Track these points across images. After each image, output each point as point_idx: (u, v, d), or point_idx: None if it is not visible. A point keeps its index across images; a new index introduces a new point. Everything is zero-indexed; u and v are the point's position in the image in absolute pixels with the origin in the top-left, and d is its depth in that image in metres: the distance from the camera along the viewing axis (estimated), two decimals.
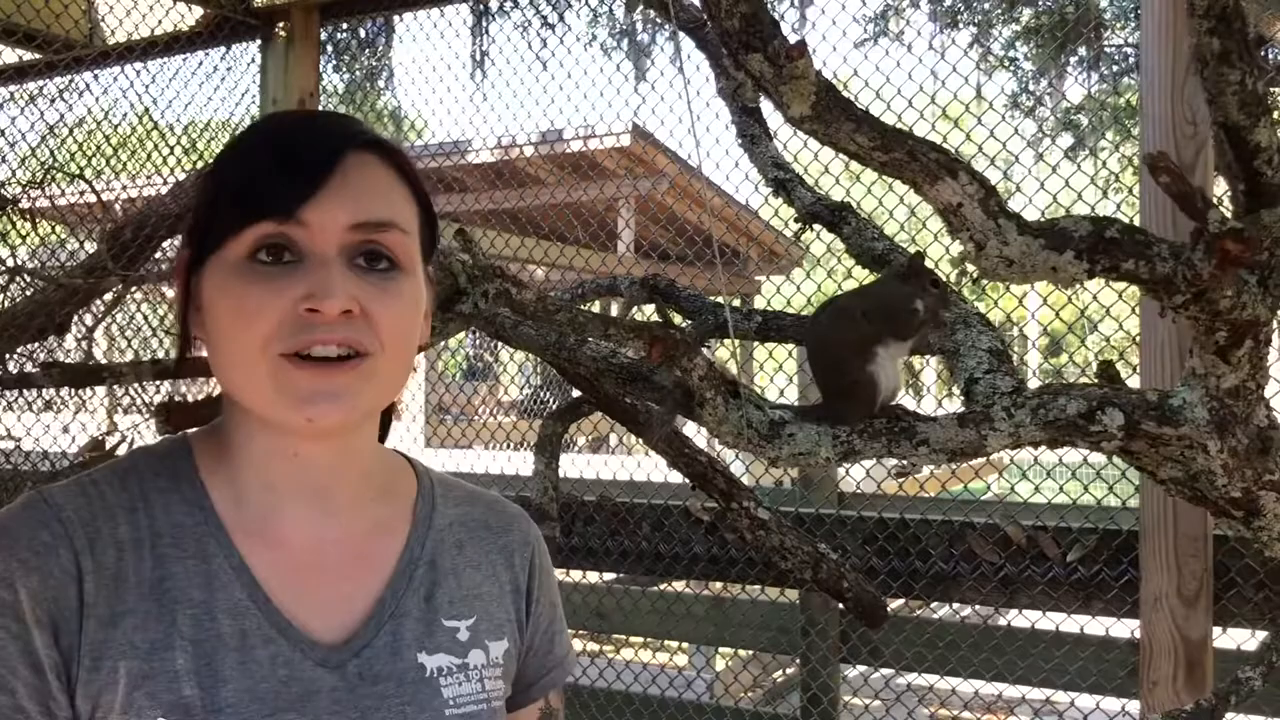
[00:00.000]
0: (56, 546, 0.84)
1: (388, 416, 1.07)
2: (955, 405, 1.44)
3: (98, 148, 3.51)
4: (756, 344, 2.38)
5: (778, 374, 3.34)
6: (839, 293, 1.53)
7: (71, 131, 3.54)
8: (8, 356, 2.62)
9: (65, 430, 3.76)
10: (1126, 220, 2.35)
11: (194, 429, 0.98)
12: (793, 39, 1.05)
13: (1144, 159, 1.02)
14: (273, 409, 0.87)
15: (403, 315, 0.90)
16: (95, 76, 3.36)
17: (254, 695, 0.85)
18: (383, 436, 1.07)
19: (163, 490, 0.91)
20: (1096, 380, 1.36)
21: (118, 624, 0.84)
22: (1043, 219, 1.16)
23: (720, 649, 5.77)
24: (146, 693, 0.83)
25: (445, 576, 0.99)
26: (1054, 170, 2.40)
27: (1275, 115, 1.08)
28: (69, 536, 0.85)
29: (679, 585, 3.77)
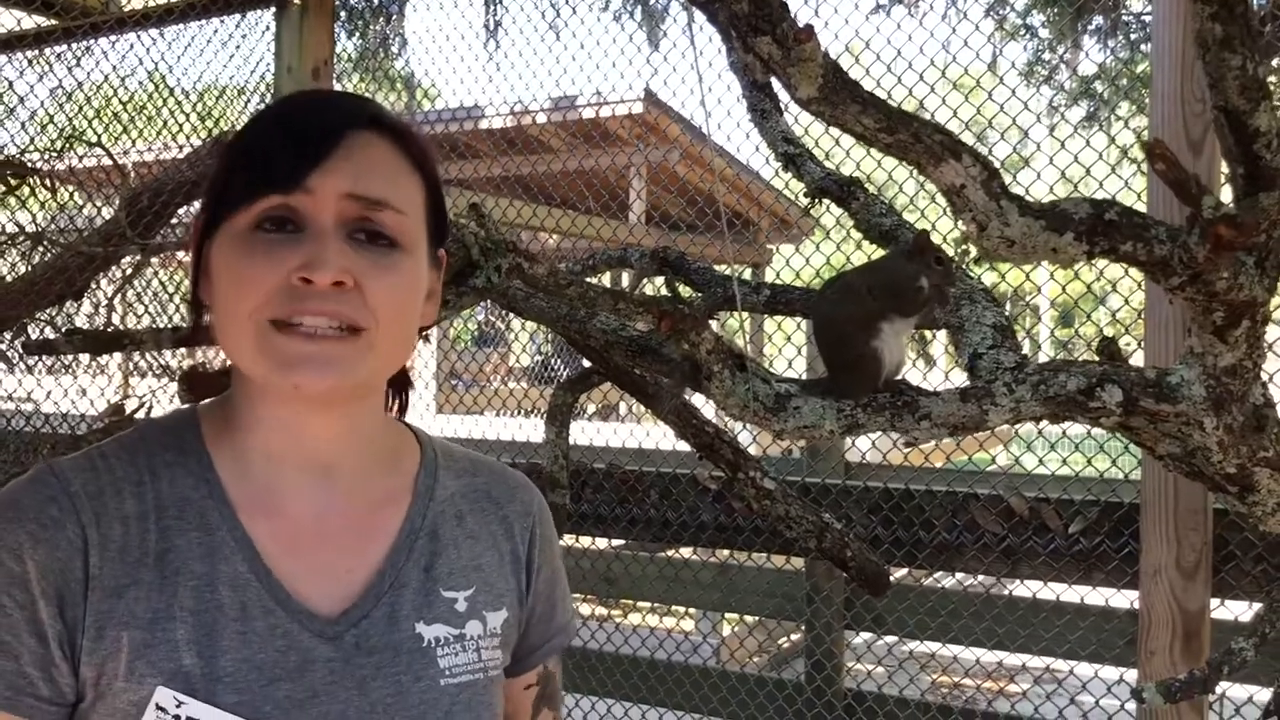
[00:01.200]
0: (64, 520, 0.87)
1: (406, 389, 1.09)
2: (963, 377, 1.46)
3: (115, 115, 3.54)
4: (767, 316, 2.40)
5: (786, 345, 3.36)
6: (845, 269, 1.56)
7: (89, 99, 3.57)
8: (27, 322, 2.66)
9: (84, 394, 3.81)
10: (1135, 195, 2.36)
11: (203, 401, 1.01)
12: (803, 14, 1.08)
13: (1143, 145, 1.04)
14: (261, 374, 0.89)
15: (398, 290, 0.91)
16: (113, 44, 3.39)
17: (252, 665, 0.88)
18: (403, 408, 1.10)
19: (169, 463, 0.93)
20: (1098, 357, 1.39)
21: (121, 595, 0.87)
22: (1048, 198, 1.18)
23: (727, 614, 5.84)
24: (148, 661, 0.86)
25: (445, 547, 1.00)
26: (1063, 145, 2.41)
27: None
28: (76, 510, 0.88)
29: (686, 552, 3.82)
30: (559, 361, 10.43)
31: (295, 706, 0.88)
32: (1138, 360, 1.84)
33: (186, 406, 1.01)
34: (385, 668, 0.92)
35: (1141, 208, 2.12)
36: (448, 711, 0.94)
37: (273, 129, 0.92)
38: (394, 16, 5.29)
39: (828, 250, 3.05)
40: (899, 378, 1.41)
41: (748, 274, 9.52)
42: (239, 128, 0.98)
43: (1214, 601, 2.11)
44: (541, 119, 7.35)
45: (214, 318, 0.93)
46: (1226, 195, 1.16)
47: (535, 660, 1.09)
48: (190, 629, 0.87)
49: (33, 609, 0.85)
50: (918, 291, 1.31)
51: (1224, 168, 2.00)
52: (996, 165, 1.16)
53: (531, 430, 4.04)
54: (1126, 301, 2.53)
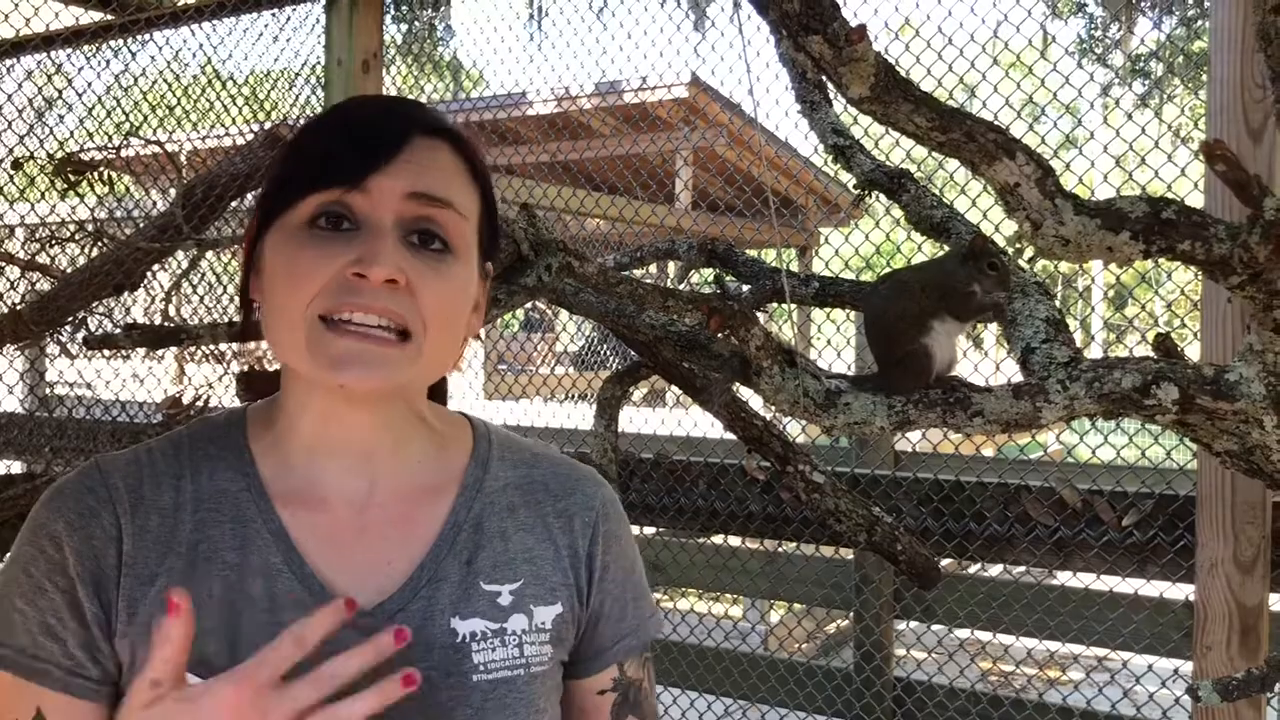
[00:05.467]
0: (99, 510, 0.91)
1: (443, 379, 1.09)
2: (1014, 366, 1.45)
3: (169, 109, 3.60)
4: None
5: (835, 336, 3.35)
6: (895, 261, 1.55)
7: (145, 94, 3.63)
8: (86, 315, 2.72)
9: (141, 382, 3.89)
10: (1192, 183, 2.31)
11: (256, 402, 1.02)
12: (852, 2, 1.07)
13: (1203, 145, 1.02)
14: (309, 370, 0.90)
15: (449, 295, 0.92)
16: (167, 40, 3.44)
17: None
18: (442, 399, 1.10)
19: (211, 457, 0.96)
20: (1154, 353, 1.37)
21: (153, 582, 0.90)
22: (1102, 185, 1.16)
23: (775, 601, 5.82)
24: None
25: (491, 540, 0.99)
26: (1117, 134, 2.37)
27: None
28: (113, 501, 0.92)
29: (734, 540, 3.82)
30: (605, 347, 10.46)
31: None
32: (1193, 350, 1.81)
33: (239, 405, 1.03)
34: (415, 663, 0.91)
35: (1198, 195, 2.08)
36: (479, 708, 0.94)
37: (335, 129, 0.93)
38: (441, 4, 5.31)
39: (877, 239, 3.03)
40: (951, 374, 1.40)
41: (794, 257, 9.47)
42: (290, 119, 0.99)
43: (1273, 597, 2.07)
44: (586, 104, 7.35)
45: (263, 313, 0.94)
46: None
47: (606, 661, 1.05)
48: (216, 618, 0.89)
49: (73, 593, 0.89)
50: (969, 296, 1.30)
51: None
52: (1050, 161, 1.15)
53: (579, 418, 4.05)
54: (1182, 292, 2.49)
